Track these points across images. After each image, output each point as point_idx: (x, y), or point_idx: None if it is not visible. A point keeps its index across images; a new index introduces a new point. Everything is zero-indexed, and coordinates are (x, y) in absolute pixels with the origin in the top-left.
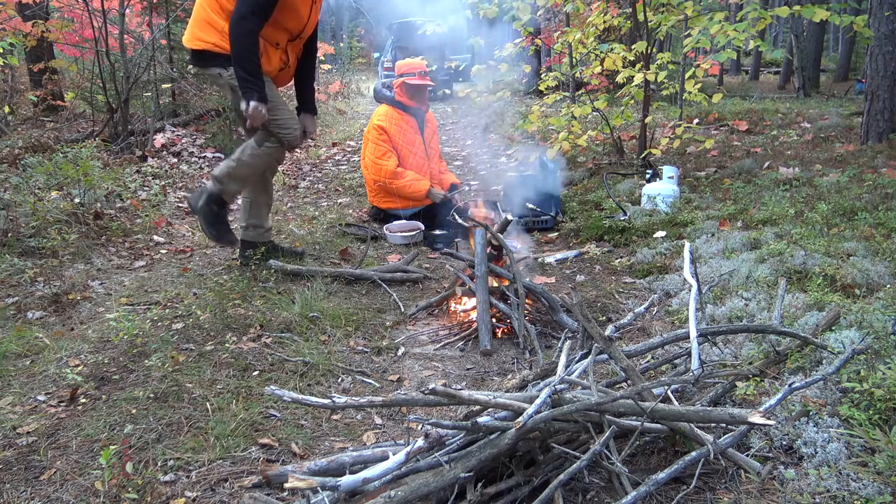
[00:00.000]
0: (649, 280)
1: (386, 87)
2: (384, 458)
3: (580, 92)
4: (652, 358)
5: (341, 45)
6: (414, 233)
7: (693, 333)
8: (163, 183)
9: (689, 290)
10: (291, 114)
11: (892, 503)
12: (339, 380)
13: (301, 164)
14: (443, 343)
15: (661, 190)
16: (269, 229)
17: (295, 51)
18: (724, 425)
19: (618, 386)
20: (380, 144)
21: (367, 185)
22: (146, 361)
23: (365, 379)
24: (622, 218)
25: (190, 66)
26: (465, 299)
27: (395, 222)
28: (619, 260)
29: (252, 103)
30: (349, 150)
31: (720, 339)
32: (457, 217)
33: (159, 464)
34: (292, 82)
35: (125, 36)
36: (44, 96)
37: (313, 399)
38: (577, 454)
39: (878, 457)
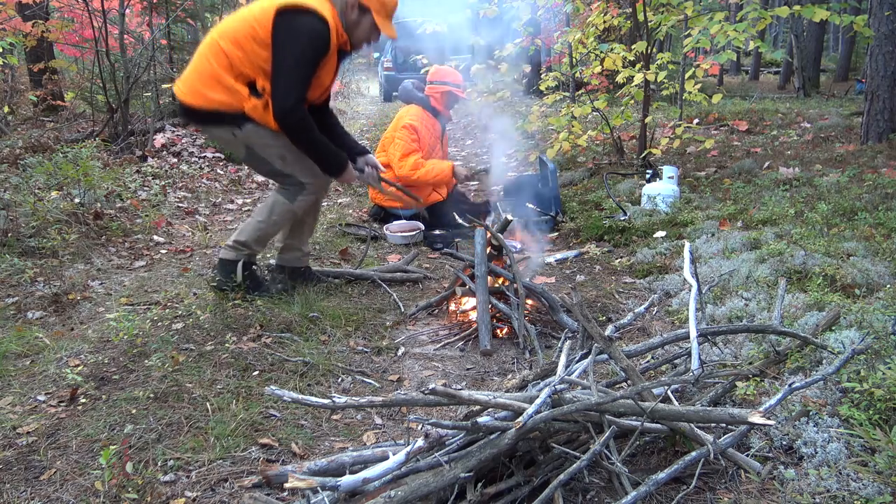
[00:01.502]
0: (649, 280)
1: (417, 89)
2: (384, 458)
3: (580, 92)
4: (652, 358)
5: None
6: (414, 233)
7: (693, 333)
8: (163, 183)
9: (689, 290)
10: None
11: (892, 503)
12: (339, 380)
13: None
14: (443, 343)
15: (661, 190)
16: (308, 254)
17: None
18: (724, 425)
19: (618, 386)
20: (409, 143)
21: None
22: (146, 361)
23: (365, 379)
24: (622, 218)
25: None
26: (465, 299)
27: (395, 222)
28: (619, 260)
29: (339, 177)
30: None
31: (720, 339)
32: (457, 217)
33: (159, 464)
34: None
35: (125, 36)
36: (44, 96)
37: (313, 399)
38: (577, 454)
39: (878, 457)
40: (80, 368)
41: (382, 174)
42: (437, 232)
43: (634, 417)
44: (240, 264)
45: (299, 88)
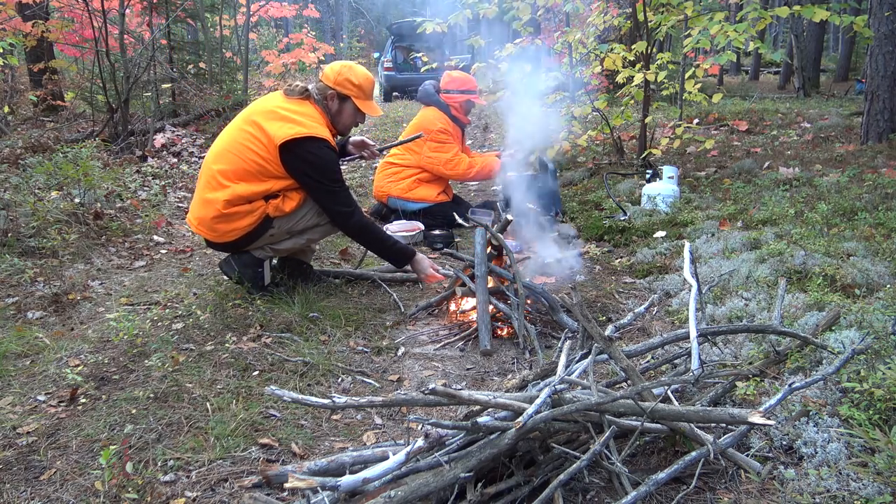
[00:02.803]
0: (649, 280)
1: (436, 91)
2: (384, 458)
3: (580, 92)
4: (652, 358)
5: (341, 45)
6: (414, 233)
7: (693, 333)
8: (163, 183)
9: (689, 290)
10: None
11: (892, 503)
12: (339, 380)
13: None
14: (443, 343)
15: (661, 190)
16: (314, 252)
17: None
18: (724, 425)
19: (618, 386)
20: (450, 143)
21: (388, 176)
22: (146, 361)
23: (365, 379)
24: (622, 218)
25: (190, 67)
26: (465, 299)
27: (395, 222)
28: (619, 260)
29: (413, 267)
30: None
31: (720, 339)
32: (458, 218)
33: (159, 464)
34: None
35: (125, 36)
36: (44, 96)
37: (313, 399)
38: (577, 454)
39: (878, 457)
40: (80, 368)
41: (376, 144)
42: (436, 232)
43: (634, 417)
44: (266, 263)
45: (347, 197)
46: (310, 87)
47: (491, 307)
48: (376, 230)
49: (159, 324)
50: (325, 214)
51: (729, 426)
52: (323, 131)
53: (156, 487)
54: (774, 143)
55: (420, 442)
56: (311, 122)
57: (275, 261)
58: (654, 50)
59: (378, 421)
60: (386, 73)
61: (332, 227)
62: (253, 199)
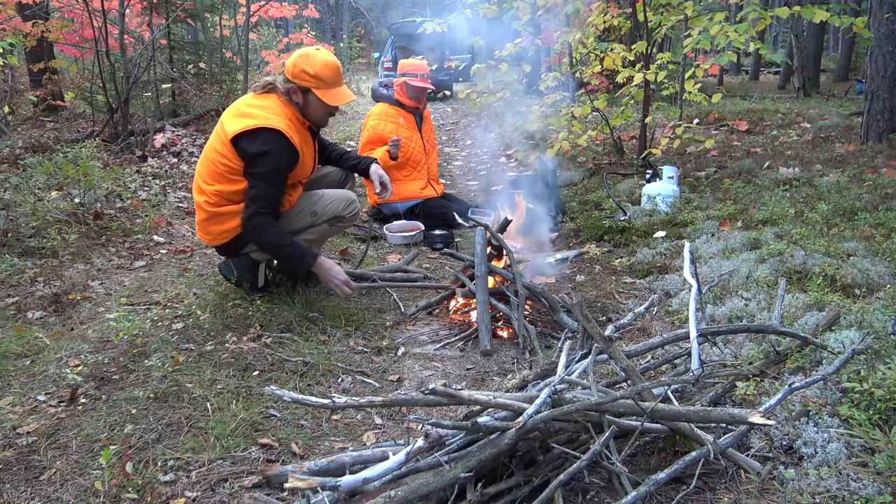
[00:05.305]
0: (649, 280)
1: (384, 86)
2: (384, 458)
3: (580, 92)
4: (652, 358)
5: (341, 45)
6: (414, 233)
7: (693, 333)
8: (163, 183)
9: (689, 290)
10: (333, 190)
11: (892, 503)
12: (339, 380)
13: None
14: (443, 343)
15: (661, 190)
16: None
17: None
18: (724, 425)
19: (618, 386)
20: (365, 145)
21: (368, 184)
22: (146, 361)
23: (365, 379)
24: (622, 218)
25: (190, 67)
26: (462, 299)
27: (394, 222)
28: (619, 260)
29: (315, 270)
30: (348, 150)
31: (720, 339)
32: (457, 218)
33: (159, 464)
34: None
35: (125, 36)
36: (44, 96)
37: (313, 399)
38: (577, 454)
39: (878, 457)
40: (80, 368)
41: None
42: (437, 232)
43: (634, 417)
44: (262, 266)
45: (262, 194)
46: (278, 80)
47: (490, 307)
48: (272, 235)
49: (159, 324)
50: (319, 213)
51: (729, 426)
52: (278, 122)
53: (156, 487)
54: (774, 143)
55: (420, 442)
56: (265, 114)
57: (275, 262)
58: (654, 50)
59: (378, 421)
60: (386, 73)
61: (330, 227)
62: (236, 200)
